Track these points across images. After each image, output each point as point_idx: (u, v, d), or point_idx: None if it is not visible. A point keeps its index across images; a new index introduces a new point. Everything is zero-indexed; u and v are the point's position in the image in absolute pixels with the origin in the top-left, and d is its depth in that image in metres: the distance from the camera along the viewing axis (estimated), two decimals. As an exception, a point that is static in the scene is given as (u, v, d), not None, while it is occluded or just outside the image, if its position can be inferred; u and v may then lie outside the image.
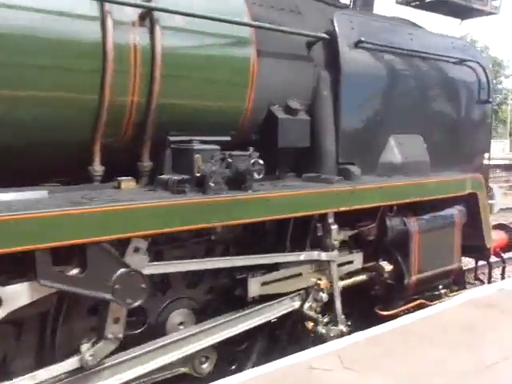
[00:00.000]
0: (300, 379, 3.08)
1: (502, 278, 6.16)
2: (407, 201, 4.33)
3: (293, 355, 3.42)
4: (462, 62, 5.19)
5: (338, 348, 3.48)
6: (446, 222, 4.85)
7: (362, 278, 4.40)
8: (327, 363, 3.23)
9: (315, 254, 3.88)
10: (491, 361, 3.30)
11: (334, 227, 3.91)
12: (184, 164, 3.29)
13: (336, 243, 3.93)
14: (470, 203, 5.15)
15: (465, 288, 5.74)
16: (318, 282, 3.97)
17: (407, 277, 4.52)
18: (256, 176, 3.37)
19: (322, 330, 4.01)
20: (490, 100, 5.50)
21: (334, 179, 3.92)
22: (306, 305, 4.00)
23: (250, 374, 3.22)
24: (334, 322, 4.13)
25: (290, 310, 3.94)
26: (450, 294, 5.32)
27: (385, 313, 4.60)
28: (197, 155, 3.23)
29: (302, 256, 3.83)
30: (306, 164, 4.25)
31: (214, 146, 3.32)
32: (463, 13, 6.24)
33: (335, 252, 3.96)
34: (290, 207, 3.51)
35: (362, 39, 4.21)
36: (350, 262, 4.28)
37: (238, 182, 3.39)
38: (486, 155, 5.66)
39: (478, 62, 5.32)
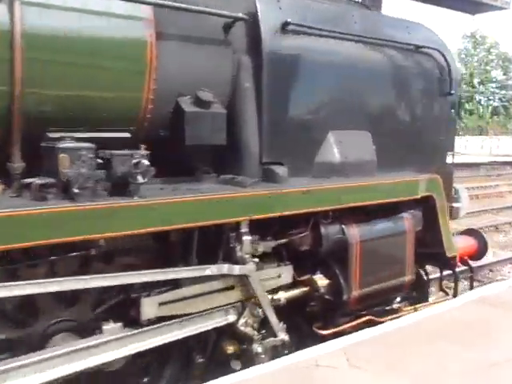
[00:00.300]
0: (306, 377, 3.06)
1: (471, 287, 5.59)
2: (342, 206, 3.79)
3: (299, 352, 3.44)
4: (418, 48, 4.62)
5: (344, 346, 3.45)
6: (394, 229, 4.30)
7: (293, 293, 3.86)
8: (333, 361, 3.22)
9: (225, 268, 3.34)
10: (499, 359, 3.28)
11: (247, 238, 3.37)
12: (52, 165, 2.77)
13: (248, 256, 3.40)
14: (428, 207, 4.62)
15: (427, 300, 5.19)
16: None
17: (346, 292, 3.98)
18: (140, 179, 2.86)
19: (258, 348, 3.51)
20: (452, 92, 4.93)
21: (247, 182, 3.39)
22: (242, 320, 3.49)
23: (255, 371, 3.16)
24: (271, 335, 3.64)
25: (222, 324, 3.43)
26: (408, 308, 4.78)
27: (324, 332, 4.07)
28: (62, 155, 2.71)
29: (209, 270, 3.29)
30: (226, 164, 3.73)
31: (86, 144, 2.79)
32: (474, 8, 6.16)
33: (250, 265, 3.42)
34: (184, 216, 2.99)
35: (289, 21, 3.67)
36: (278, 276, 3.75)
37: (122, 186, 2.88)
38: (451, 153, 5.10)
39: (437, 50, 4.75)
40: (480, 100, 70.23)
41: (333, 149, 4.04)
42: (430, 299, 5.45)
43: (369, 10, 4.85)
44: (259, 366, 3.25)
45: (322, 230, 3.86)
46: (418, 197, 4.38)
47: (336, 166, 4.03)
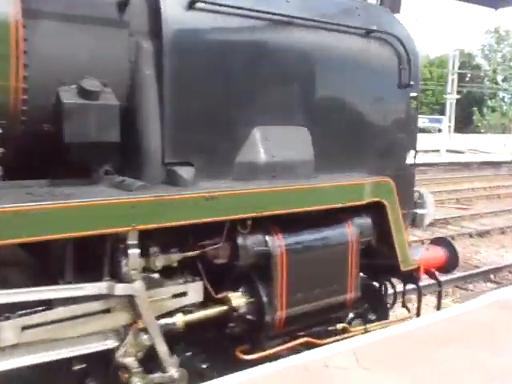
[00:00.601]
0: (315, 377, 3.07)
1: (438, 305, 4.99)
2: (259, 215, 3.26)
3: (308, 352, 3.44)
4: (369, 33, 4.05)
5: (354, 347, 3.43)
6: (333, 239, 3.75)
7: (203, 314, 3.35)
8: (343, 361, 3.21)
9: (104, 288, 2.84)
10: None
11: (134, 251, 2.87)
12: None
13: (135, 272, 2.89)
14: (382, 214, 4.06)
15: (387, 318, 4.63)
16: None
17: (269, 312, 3.45)
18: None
19: (137, 382, 3.02)
20: (411, 84, 4.35)
21: (133, 185, 2.89)
22: (121, 350, 2.99)
23: (262, 370, 3.16)
24: (160, 369, 3.14)
25: (98, 349, 2.94)
26: (358, 328, 4.23)
27: (247, 357, 3.55)
28: None
29: (85, 290, 2.80)
30: (127, 164, 3.24)
31: None
32: (497, 2, 6.10)
33: (137, 284, 2.92)
34: (34, 226, 2.50)
35: (197, -3, 3.15)
36: (183, 294, 3.25)
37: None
38: (412, 153, 4.52)
39: (394, 35, 4.18)
40: (503, 97, 68.33)
41: (257, 147, 3.51)
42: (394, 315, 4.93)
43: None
44: (266, 365, 3.22)
45: (239, 240, 3.34)
46: (363, 203, 3.82)
47: (260, 167, 3.50)
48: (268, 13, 3.47)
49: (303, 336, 3.83)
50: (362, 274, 4.38)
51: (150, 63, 3.13)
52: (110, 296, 2.88)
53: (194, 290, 3.28)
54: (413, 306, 5.28)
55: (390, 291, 4.83)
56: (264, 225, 3.43)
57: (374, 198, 3.91)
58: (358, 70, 4.03)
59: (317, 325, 3.93)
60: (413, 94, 4.42)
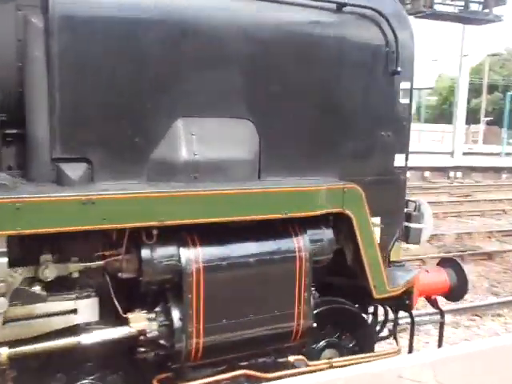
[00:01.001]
0: None
1: (440, 341, 4.10)
2: (160, 224, 2.72)
3: (382, 361, 3.36)
4: (342, 7, 3.33)
5: (431, 360, 3.22)
6: (272, 257, 3.10)
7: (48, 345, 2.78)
8: (418, 374, 3.03)
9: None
10: None
11: (-2, 260, 2.45)
12: None
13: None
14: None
15: (371, 350, 3.88)
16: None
17: (182, 339, 2.89)
18: None
19: None
20: (399, 70, 3.56)
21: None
22: None
23: (330, 375, 3.10)
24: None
25: None
26: (318, 362, 3.53)
27: (163, 387, 3.03)
28: None
29: None
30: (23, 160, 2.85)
31: None
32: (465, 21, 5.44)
33: (-3, 299, 2.49)
34: None
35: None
36: (72, 312, 2.79)
37: None
38: (401, 156, 3.72)
39: (376, 10, 3.42)
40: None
41: (177, 142, 2.96)
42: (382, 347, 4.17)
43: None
44: (335, 371, 3.16)
45: (143, 252, 2.82)
46: (315, 214, 3.13)
47: (179, 167, 2.95)
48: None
49: (242, 367, 3.24)
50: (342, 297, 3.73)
51: (40, 42, 2.70)
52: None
53: (87, 308, 2.81)
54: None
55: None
56: (179, 235, 2.89)
57: (333, 209, 3.21)
58: (325, 53, 3.33)
59: (258, 356, 3.30)
60: (404, 85, 3.62)
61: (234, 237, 3.03)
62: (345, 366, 3.47)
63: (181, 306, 2.89)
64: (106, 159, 2.83)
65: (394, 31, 3.45)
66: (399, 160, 3.70)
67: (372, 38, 3.47)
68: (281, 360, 3.40)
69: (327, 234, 3.30)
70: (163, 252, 2.85)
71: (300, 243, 3.16)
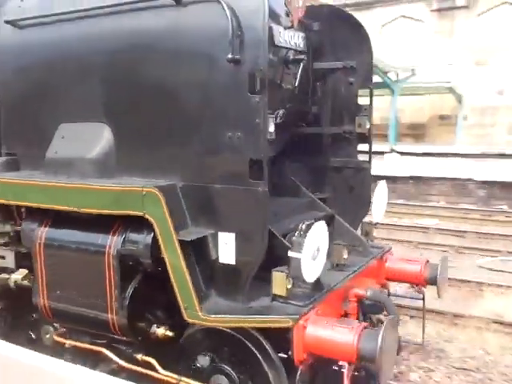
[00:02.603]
0: None
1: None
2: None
3: None
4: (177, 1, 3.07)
5: None
6: (88, 246, 3.39)
7: None
8: None
9: None
10: None
11: None
12: None
13: None
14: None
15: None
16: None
17: (35, 295, 3.69)
18: None
19: None
20: (237, 58, 2.82)
21: None
22: None
23: None
24: None
25: None
26: (166, 373, 3.38)
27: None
28: None
29: None
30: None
31: None
32: None
33: None
34: None
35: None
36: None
37: None
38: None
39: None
40: None
41: (52, 143, 3.73)
42: None
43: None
44: None
45: (20, 224, 3.82)
46: (102, 212, 3.19)
47: (47, 162, 3.71)
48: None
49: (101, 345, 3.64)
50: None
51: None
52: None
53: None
54: None
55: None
56: (39, 216, 3.69)
57: (133, 211, 3.15)
58: (163, 51, 3.22)
59: (114, 341, 3.59)
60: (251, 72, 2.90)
61: (70, 224, 3.53)
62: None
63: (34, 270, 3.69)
64: (24, 153, 3.95)
65: (235, 16, 2.90)
66: (256, 168, 2.99)
67: (208, 27, 3.02)
68: (133, 354, 3.55)
69: (146, 238, 3.22)
70: (26, 226, 3.74)
71: (113, 241, 3.29)
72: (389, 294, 4.54)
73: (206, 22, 3.07)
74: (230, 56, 2.93)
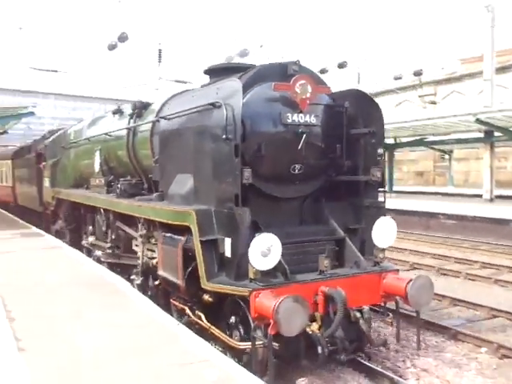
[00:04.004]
0: None
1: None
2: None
3: None
4: (211, 105, 5.50)
5: None
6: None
7: None
8: None
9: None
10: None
11: None
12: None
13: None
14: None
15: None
16: None
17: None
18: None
19: None
20: (230, 137, 5.07)
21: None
22: None
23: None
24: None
25: None
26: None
27: None
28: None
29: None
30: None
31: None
32: None
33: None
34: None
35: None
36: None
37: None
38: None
39: (227, 104, 5.26)
40: None
41: (171, 185, 6.52)
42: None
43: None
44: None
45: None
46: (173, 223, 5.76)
47: (169, 196, 6.52)
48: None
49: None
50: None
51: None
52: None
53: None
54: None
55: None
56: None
57: (184, 222, 5.62)
58: (203, 132, 5.70)
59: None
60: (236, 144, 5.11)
61: (169, 230, 6.22)
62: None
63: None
64: (165, 192, 6.89)
65: (233, 114, 5.19)
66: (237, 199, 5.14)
67: (217, 121, 5.38)
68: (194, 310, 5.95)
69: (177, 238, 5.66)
70: (167, 235, 6.60)
71: (181, 240, 5.83)
72: (397, 307, 5.84)
73: (217, 118, 5.42)
74: (224, 136, 5.21)
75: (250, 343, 5.01)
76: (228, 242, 5.29)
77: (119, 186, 8.14)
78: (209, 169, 5.64)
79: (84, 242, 10.72)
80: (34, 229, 13.99)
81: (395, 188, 27.57)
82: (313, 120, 5.85)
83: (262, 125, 5.62)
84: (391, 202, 19.01)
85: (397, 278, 5.62)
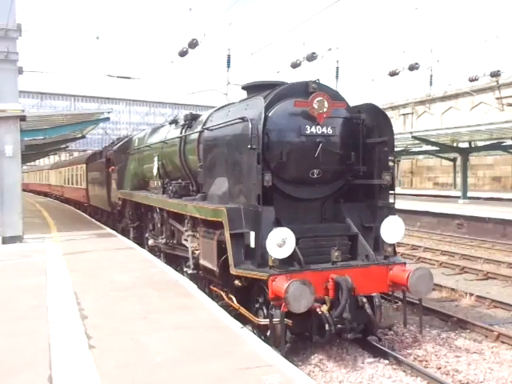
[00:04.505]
0: None
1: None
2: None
3: None
4: (240, 119, 6.53)
5: None
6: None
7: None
8: None
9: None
10: None
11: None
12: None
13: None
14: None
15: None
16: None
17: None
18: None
19: None
20: (254, 147, 6.05)
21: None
22: None
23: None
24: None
25: None
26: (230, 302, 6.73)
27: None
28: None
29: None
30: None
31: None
32: None
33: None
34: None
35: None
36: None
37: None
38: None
39: (248, 118, 6.27)
40: None
41: (211, 187, 7.60)
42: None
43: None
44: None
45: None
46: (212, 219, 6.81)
47: (209, 196, 7.59)
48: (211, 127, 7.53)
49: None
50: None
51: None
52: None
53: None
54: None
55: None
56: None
57: (218, 218, 6.67)
58: (235, 142, 6.72)
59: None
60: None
61: (205, 225, 7.28)
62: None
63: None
64: (207, 193, 7.99)
65: (254, 127, 6.19)
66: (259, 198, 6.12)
67: (244, 132, 6.38)
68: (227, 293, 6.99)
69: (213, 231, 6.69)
70: (206, 230, 7.71)
71: (216, 233, 6.89)
72: (404, 296, 6.61)
73: (244, 130, 6.44)
74: (249, 146, 6.22)
75: (268, 320, 5.98)
76: (252, 235, 6.29)
77: (171, 187, 9.35)
78: (238, 173, 6.67)
79: (147, 235, 12.05)
80: (108, 230, 15.13)
81: (469, 194, 26.49)
82: (329, 131, 6.74)
83: (284, 136, 6.58)
84: (464, 209, 19.82)
85: (402, 270, 6.38)
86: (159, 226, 10.52)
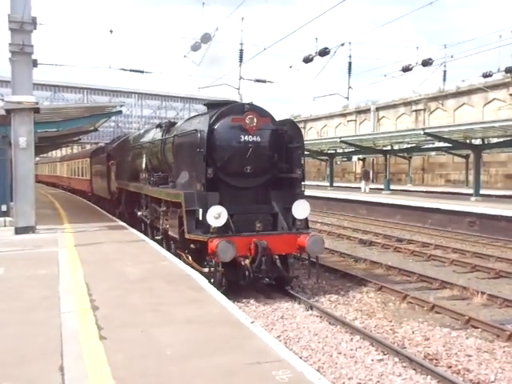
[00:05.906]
0: None
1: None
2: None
3: None
4: (190, 131, 9.30)
5: None
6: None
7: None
8: None
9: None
10: None
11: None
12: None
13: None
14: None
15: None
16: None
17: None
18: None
19: None
20: (201, 150, 8.79)
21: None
22: None
23: None
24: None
25: None
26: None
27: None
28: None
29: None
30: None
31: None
32: None
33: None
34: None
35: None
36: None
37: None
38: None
39: (196, 129, 9.03)
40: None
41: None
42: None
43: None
44: None
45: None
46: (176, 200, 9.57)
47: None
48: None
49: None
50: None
51: (177, 153, 11.04)
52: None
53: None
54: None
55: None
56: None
57: (179, 200, 9.42)
58: (191, 146, 9.46)
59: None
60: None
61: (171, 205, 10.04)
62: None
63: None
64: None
65: (202, 137, 8.93)
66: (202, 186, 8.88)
67: (194, 140, 9.11)
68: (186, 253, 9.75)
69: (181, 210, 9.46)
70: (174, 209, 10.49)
71: (178, 210, 9.65)
72: (309, 256, 9.37)
73: (195, 138, 9.18)
74: (198, 149, 8.97)
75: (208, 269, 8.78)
76: (200, 211, 9.05)
77: (152, 178, 12.11)
78: (193, 168, 9.43)
79: (138, 213, 14.71)
80: (120, 222, 15.57)
81: (482, 192, 24.94)
82: (258, 139, 9.48)
83: (226, 142, 9.33)
84: (476, 207, 18.77)
85: (304, 237, 9.07)
86: (144, 208, 13.33)
